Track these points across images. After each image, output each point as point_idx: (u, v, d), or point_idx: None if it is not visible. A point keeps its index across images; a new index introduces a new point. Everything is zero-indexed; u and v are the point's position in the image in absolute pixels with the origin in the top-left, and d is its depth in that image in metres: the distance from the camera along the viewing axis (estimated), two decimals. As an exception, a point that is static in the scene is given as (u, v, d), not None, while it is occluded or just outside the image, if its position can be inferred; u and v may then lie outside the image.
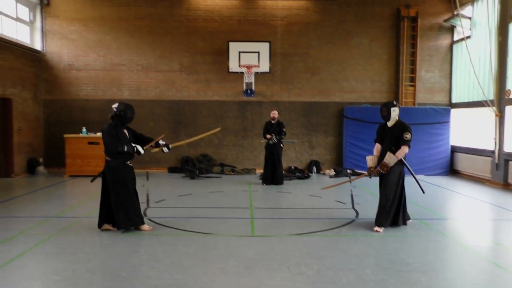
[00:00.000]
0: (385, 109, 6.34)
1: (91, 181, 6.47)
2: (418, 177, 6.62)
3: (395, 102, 6.40)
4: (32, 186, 10.19)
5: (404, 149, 6.15)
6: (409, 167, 6.30)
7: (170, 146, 6.42)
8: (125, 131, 6.10)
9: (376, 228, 6.21)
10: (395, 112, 6.31)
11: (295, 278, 4.41)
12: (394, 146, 6.20)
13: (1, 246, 5.39)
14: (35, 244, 5.47)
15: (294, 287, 4.20)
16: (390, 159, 6.11)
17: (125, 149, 5.87)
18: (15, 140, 11.61)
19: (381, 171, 6.18)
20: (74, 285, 4.19)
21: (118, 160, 5.95)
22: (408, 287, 4.21)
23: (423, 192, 6.64)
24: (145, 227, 6.17)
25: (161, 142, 6.33)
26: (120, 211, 5.94)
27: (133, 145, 5.98)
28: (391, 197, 6.19)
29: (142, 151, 6.04)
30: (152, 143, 6.27)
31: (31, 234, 5.94)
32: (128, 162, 6.06)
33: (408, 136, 6.14)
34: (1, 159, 11.40)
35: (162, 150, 6.36)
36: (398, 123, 6.33)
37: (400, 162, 6.23)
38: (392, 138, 6.25)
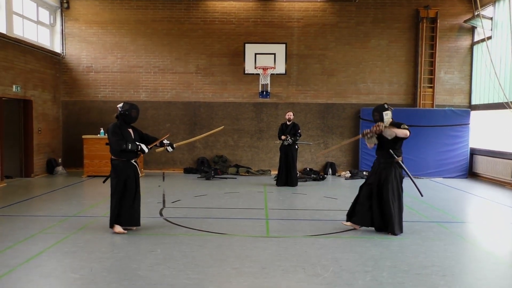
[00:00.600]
0: (377, 113, 6.08)
1: (104, 181, 6.60)
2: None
3: (386, 105, 6.13)
4: (51, 186, 10.37)
5: (405, 131, 5.90)
6: (406, 170, 6.13)
7: (174, 145, 6.47)
8: (130, 130, 6.17)
9: (390, 233, 6.10)
10: (387, 116, 6.06)
11: (311, 280, 4.38)
12: (392, 148, 6.04)
13: (21, 244, 5.49)
14: (54, 242, 5.56)
15: (309, 289, 4.17)
16: (390, 130, 5.87)
17: (129, 147, 5.94)
18: (35, 141, 11.83)
19: (376, 129, 5.91)
20: (91, 283, 4.24)
21: (122, 158, 6.02)
22: (426, 291, 4.15)
23: (421, 195, 6.40)
24: (119, 229, 6.01)
25: (165, 141, 6.39)
26: (115, 208, 5.99)
27: (137, 143, 6.05)
28: (397, 204, 6.05)
29: (146, 149, 6.10)
30: (157, 142, 6.34)
31: (50, 233, 6.04)
32: (133, 160, 6.12)
33: (406, 126, 5.95)
34: (22, 159, 11.63)
35: (167, 149, 6.41)
36: (393, 124, 6.08)
37: (399, 166, 6.09)
38: (390, 140, 6.03)
